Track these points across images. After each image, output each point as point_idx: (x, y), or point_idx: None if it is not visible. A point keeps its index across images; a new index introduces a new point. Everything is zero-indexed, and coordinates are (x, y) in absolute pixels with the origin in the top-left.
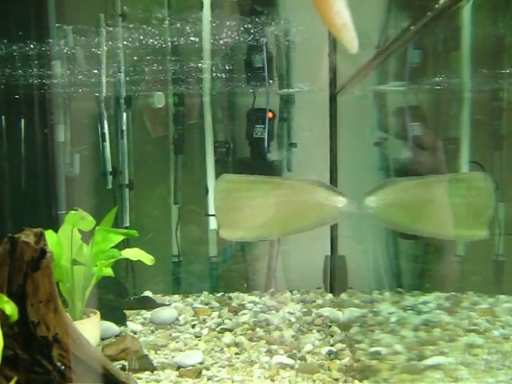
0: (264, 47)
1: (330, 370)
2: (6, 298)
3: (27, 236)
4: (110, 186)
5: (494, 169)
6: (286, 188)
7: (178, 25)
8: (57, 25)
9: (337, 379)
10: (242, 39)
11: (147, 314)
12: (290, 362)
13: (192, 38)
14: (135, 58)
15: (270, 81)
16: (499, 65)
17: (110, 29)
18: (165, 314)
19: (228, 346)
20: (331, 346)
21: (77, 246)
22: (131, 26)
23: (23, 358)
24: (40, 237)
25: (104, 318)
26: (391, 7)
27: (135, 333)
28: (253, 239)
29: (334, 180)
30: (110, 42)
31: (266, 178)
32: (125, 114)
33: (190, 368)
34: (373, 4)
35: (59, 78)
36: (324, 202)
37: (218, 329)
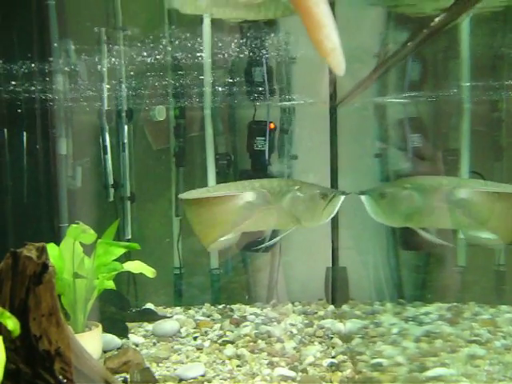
0: (264, 60)
1: (331, 382)
2: (8, 314)
3: (29, 251)
4: (111, 199)
5: (494, 180)
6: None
7: (179, 39)
8: (58, 39)
9: None
10: (242, 53)
11: (149, 326)
12: (292, 374)
13: (193, 52)
14: (136, 71)
15: (271, 93)
16: (498, 76)
17: (111, 43)
18: (167, 326)
19: (230, 358)
20: (333, 357)
21: (79, 259)
22: (132, 40)
23: (25, 371)
24: (42, 251)
25: (106, 330)
26: (390, 21)
27: (137, 345)
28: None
29: None
30: (111, 56)
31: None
32: (126, 127)
33: (192, 380)
34: (372, 18)
35: (61, 91)
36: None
37: (219, 341)
